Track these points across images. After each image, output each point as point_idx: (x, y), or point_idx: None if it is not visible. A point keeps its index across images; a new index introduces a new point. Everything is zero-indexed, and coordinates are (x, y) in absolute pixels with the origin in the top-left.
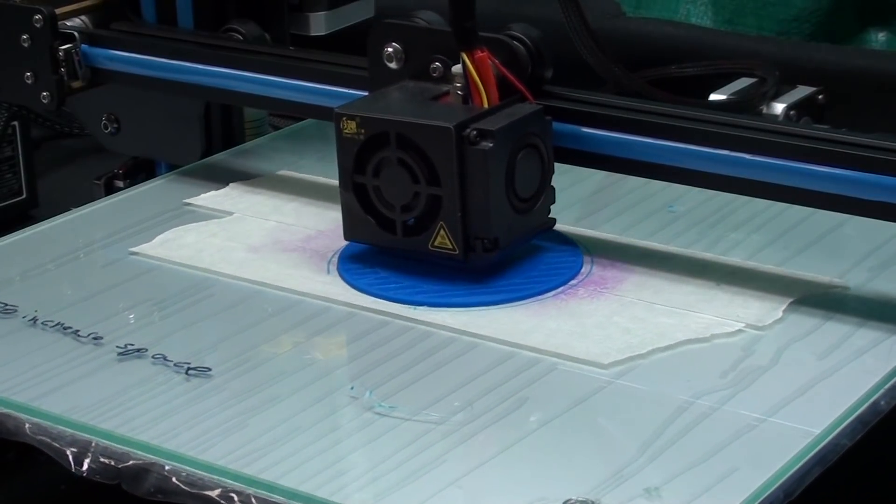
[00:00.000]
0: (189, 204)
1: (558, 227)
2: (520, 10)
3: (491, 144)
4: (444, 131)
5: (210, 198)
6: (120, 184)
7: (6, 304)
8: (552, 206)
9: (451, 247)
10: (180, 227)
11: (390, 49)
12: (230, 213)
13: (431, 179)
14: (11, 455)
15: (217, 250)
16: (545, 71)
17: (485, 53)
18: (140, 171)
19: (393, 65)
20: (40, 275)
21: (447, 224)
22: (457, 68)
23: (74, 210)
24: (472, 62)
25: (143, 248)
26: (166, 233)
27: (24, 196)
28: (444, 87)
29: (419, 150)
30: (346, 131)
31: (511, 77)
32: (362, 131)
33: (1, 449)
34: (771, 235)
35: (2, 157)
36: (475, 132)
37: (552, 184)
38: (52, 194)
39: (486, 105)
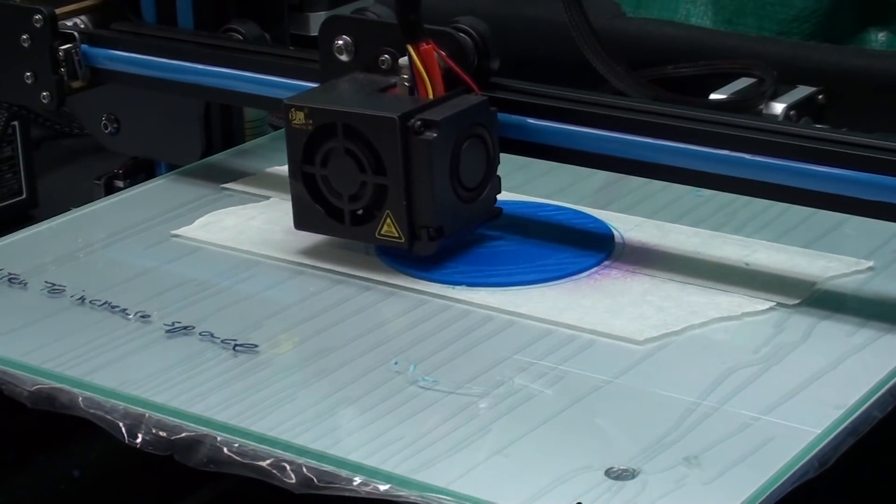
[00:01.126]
0: (227, 188)
1: (591, 209)
2: (519, 10)
3: (435, 134)
4: (389, 122)
5: (247, 182)
6: (120, 184)
7: (54, 285)
8: (577, 191)
9: (396, 235)
10: (220, 211)
11: (340, 42)
12: (267, 198)
13: (377, 169)
14: (11, 455)
15: (257, 232)
16: (491, 63)
17: (430, 45)
18: (140, 171)
19: (343, 57)
20: (85, 256)
21: (393, 213)
22: (403, 60)
23: (73, 210)
24: (418, 54)
25: (184, 230)
26: (206, 216)
27: (24, 196)
28: (392, 79)
29: (365, 140)
30: (295, 122)
31: (456, 68)
32: (310, 122)
33: (1, 449)
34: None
35: (2, 157)
36: (419, 122)
37: (497, 174)
38: (52, 194)
39: (431, 96)
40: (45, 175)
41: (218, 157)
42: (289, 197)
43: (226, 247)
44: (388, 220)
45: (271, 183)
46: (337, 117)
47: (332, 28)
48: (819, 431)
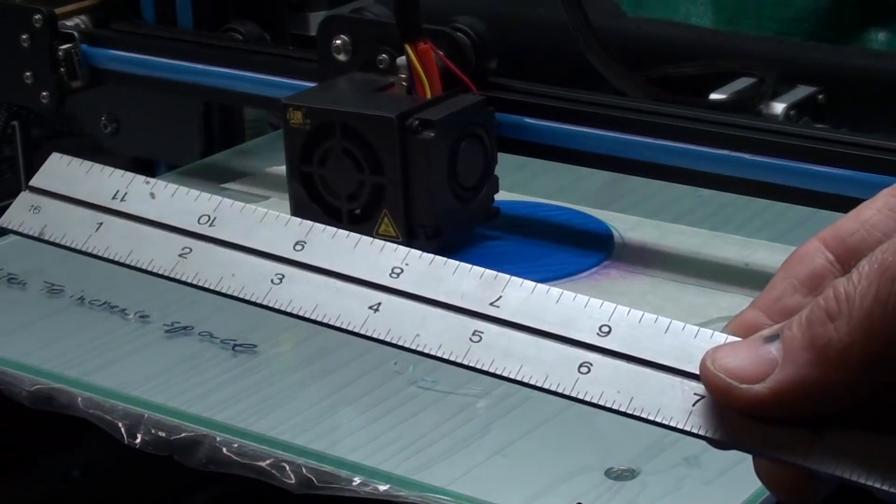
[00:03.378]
0: (226, 188)
1: (590, 209)
2: (519, 10)
3: (433, 134)
4: (387, 121)
5: (247, 182)
6: None
7: (53, 285)
8: (576, 191)
9: (394, 234)
10: None
11: (339, 41)
12: (267, 198)
13: (375, 168)
14: (11, 455)
15: None
16: (489, 62)
17: (428, 45)
18: (140, 171)
19: (341, 57)
20: (82, 258)
21: (391, 212)
22: (401, 60)
23: None
24: (416, 54)
25: None
26: None
27: None
28: (390, 79)
29: (363, 139)
30: (293, 121)
31: (454, 68)
32: (308, 121)
33: (1, 449)
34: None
35: (2, 157)
36: (417, 122)
37: (496, 173)
38: None
39: (429, 96)
40: None
41: (218, 157)
42: (287, 196)
43: None
44: (386, 220)
45: (271, 183)
46: (335, 117)
47: (330, 27)
48: None
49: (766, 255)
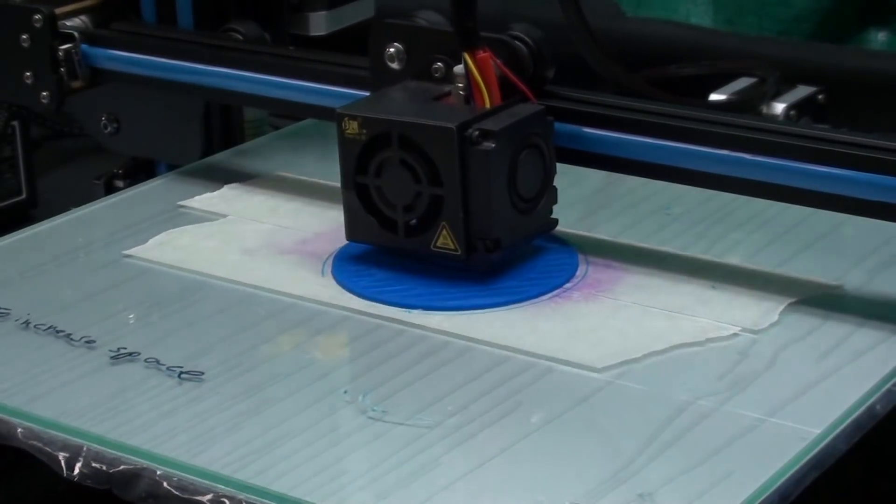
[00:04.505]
0: (184, 206)
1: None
2: (519, 10)
3: (493, 145)
4: (447, 131)
5: (205, 200)
6: (120, 184)
7: None
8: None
9: (453, 247)
10: (175, 230)
11: (392, 49)
12: (225, 216)
13: (433, 179)
14: (11, 456)
15: (211, 253)
16: (547, 71)
17: (487, 53)
18: (140, 171)
19: (395, 65)
20: (33, 277)
21: (449, 224)
22: (459, 68)
23: (73, 210)
24: (474, 62)
25: (137, 250)
26: (160, 235)
27: (23, 196)
28: (447, 88)
29: (421, 150)
30: (349, 132)
31: (513, 77)
32: (364, 131)
33: (1, 449)
34: (770, 235)
35: (2, 157)
36: (477, 132)
37: (554, 184)
38: (52, 194)
39: (488, 105)
40: (45, 175)
41: (218, 157)
42: (247, 216)
43: (178, 267)
44: (444, 232)
45: (231, 199)
46: (392, 127)
47: (383, 35)
48: (780, 465)
49: (733, 277)
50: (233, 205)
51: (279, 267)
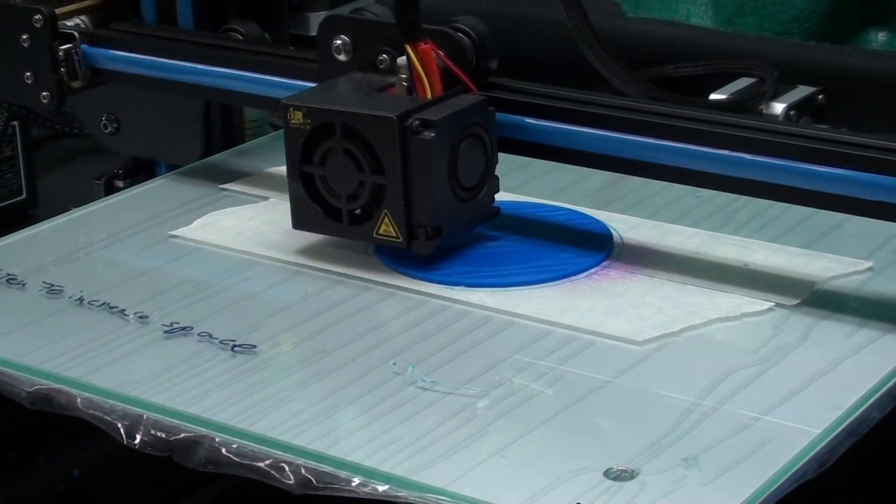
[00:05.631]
0: (225, 189)
1: (590, 209)
2: (519, 10)
3: (433, 134)
4: (387, 121)
5: (246, 183)
6: (120, 184)
7: (52, 285)
8: (576, 192)
9: (394, 235)
10: (218, 211)
11: (339, 41)
12: (266, 199)
13: (376, 169)
14: (11, 455)
15: (255, 233)
16: (490, 63)
17: (428, 45)
18: (140, 171)
19: (342, 57)
20: (83, 258)
21: (391, 212)
22: (402, 60)
23: (73, 210)
24: (416, 54)
25: (183, 231)
26: (204, 217)
27: (23, 196)
28: (391, 79)
29: (364, 139)
30: (294, 122)
31: (455, 68)
32: (308, 121)
33: (1, 449)
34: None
35: (2, 157)
36: (418, 122)
37: (496, 173)
38: (52, 194)
39: (429, 96)
40: (45, 175)
41: (218, 157)
42: (287, 197)
43: (224, 247)
44: (386, 220)
45: (270, 183)
46: (335, 117)
47: (330, 27)
48: (818, 432)
49: (765, 255)
50: (274, 188)
51: (323, 246)
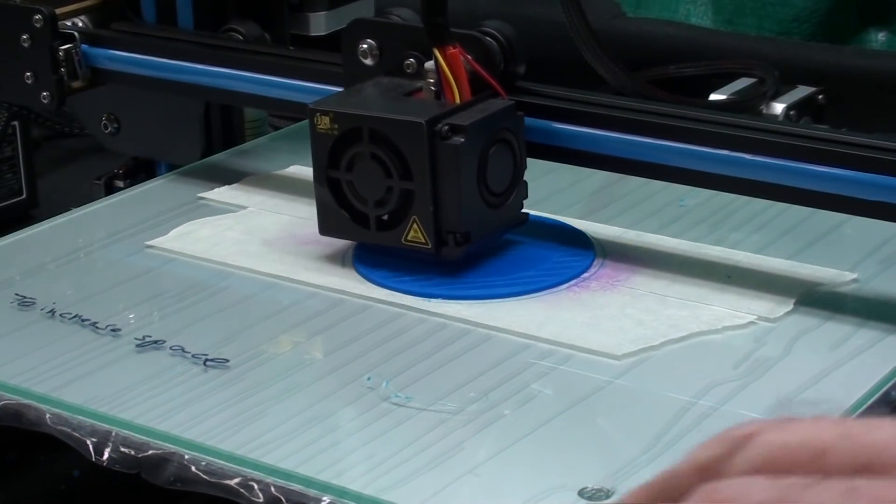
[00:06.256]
0: (203, 198)
1: (570, 220)
2: (520, 10)
3: (462, 139)
4: (416, 126)
5: (224, 192)
6: (120, 184)
7: (24, 297)
8: (560, 200)
9: (423, 241)
10: (196, 221)
11: (365, 45)
12: (244, 208)
13: (404, 174)
14: (11, 455)
15: (232, 244)
16: (518, 67)
17: (457, 49)
18: (140, 171)
19: (368, 61)
20: (56, 269)
21: (420, 218)
22: (429, 64)
23: (73, 210)
24: (444, 58)
25: (159, 241)
26: (181, 226)
27: (24, 196)
28: (418, 83)
29: (392, 144)
30: (320, 127)
31: (483, 73)
32: (336, 126)
33: (1, 449)
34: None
35: (2, 157)
36: (447, 127)
37: (524, 178)
38: (52, 194)
39: (458, 101)
40: (45, 175)
41: (218, 157)
42: (266, 208)
43: (200, 258)
44: (415, 226)
45: (249, 193)
46: (363, 122)
47: (356, 31)
48: None
49: (748, 267)
50: (251, 197)
51: (300, 257)
